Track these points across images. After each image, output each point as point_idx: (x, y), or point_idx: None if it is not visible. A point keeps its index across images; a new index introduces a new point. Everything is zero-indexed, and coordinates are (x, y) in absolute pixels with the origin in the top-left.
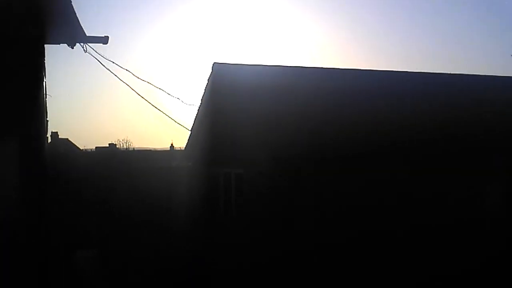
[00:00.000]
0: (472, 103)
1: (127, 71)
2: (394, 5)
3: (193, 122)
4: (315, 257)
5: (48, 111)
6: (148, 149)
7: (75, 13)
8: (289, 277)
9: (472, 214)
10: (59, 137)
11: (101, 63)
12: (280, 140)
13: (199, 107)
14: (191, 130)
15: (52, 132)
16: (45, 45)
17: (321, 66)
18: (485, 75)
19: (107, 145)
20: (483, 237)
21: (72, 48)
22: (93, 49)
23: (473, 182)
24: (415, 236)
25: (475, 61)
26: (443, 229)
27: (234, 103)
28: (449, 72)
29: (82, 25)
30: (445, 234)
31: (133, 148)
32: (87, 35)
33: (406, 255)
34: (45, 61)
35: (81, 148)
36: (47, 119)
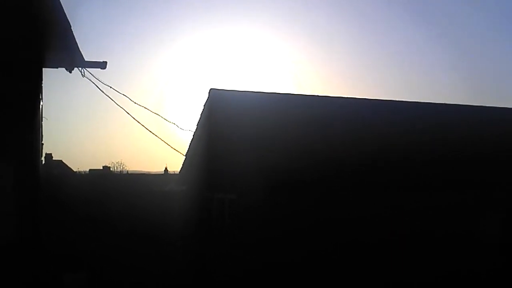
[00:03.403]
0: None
1: (124, 96)
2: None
3: (188, 147)
4: (309, 284)
5: (43, 133)
6: (142, 172)
7: (75, 39)
8: None
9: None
10: (53, 158)
11: (98, 88)
12: (273, 167)
13: (194, 132)
14: (186, 155)
15: (46, 154)
16: (43, 69)
17: (315, 94)
18: (489, 106)
19: (101, 168)
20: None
21: (70, 72)
22: (91, 73)
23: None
24: (410, 264)
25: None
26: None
27: (229, 129)
28: (455, 103)
29: (81, 50)
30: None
31: (127, 171)
32: (86, 60)
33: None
34: (42, 85)
35: (74, 170)
36: (42, 141)
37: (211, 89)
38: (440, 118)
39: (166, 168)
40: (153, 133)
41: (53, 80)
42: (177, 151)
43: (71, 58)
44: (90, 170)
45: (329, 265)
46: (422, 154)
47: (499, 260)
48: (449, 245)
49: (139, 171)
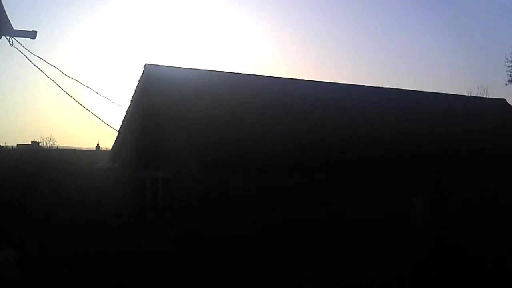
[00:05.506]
0: (404, 117)
1: (54, 68)
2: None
3: (121, 123)
4: (244, 263)
5: None
6: (72, 148)
7: (2, 5)
8: (217, 282)
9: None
10: None
11: (27, 58)
12: (209, 145)
13: (128, 108)
14: (119, 131)
15: None
16: None
17: (256, 74)
18: (423, 91)
19: (30, 143)
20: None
21: None
22: (19, 43)
23: (399, 193)
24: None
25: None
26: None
27: (165, 105)
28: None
29: (9, 18)
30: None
31: (57, 147)
32: (14, 29)
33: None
34: None
35: (1, 144)
36: None
37: (146, 64)
38: (371, 101)
39: (98, 144)
40: (84, 107)
41: None
42: (110, 126)
43: None
44: (18, 145)
45: (264, 244)
46: (356, 137)
47: (424, 238)
48: (378, 223)
49: (69, 146)
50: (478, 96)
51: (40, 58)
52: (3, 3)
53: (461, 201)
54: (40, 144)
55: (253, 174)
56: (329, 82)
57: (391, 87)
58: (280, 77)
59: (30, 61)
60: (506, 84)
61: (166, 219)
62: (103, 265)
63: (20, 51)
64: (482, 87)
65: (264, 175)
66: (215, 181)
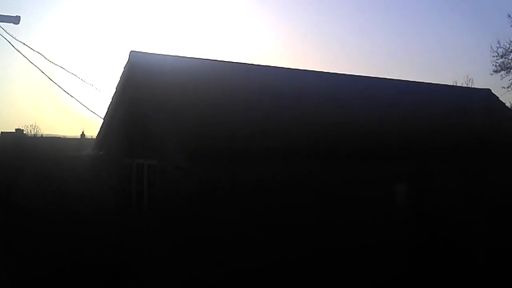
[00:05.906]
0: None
1: (39, 54)
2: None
3: (106, 110)
4: (238, 259)
5: None
6: (57, 136)
7: None
8: (200, 273)
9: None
10: None
11: (11, 44)
12: (196, 134)
13: (113, 95)
14: (104, 118)
15: None
16: None
17: (243, 62)
18: (400, 80)
19: (14, 130)
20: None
21: None
22: (3, 28)
23: (380, 181)
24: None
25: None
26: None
27: (150, 93)
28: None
29: None
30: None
31: (42, 135)
32: None
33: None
34: None
35: None
36: None
37: (131, 51)
38: (356, 90)
39: (83, 132)
40: (69, 94)
41: None
42: (95, 113)
43: None
44: (2, 132)
45: (250, 232)
46: (342, 126)
47: (408, 226)
48: (364, 215)
49: (54, 134)
50: (463, 86)
51: (24, 44)
52: None
53: (446, 191)
54: (24, 132)
55: (241, 165)
56: (317, 71)
57: (375, 76)
58: (270, 66)
59: (14, 46)
60: (491, 74)
61: (152, 211)
62: (84, 259)
63: (4, 37)
64: (467, 77)
65: (253, 165)
66: (201, 170)
